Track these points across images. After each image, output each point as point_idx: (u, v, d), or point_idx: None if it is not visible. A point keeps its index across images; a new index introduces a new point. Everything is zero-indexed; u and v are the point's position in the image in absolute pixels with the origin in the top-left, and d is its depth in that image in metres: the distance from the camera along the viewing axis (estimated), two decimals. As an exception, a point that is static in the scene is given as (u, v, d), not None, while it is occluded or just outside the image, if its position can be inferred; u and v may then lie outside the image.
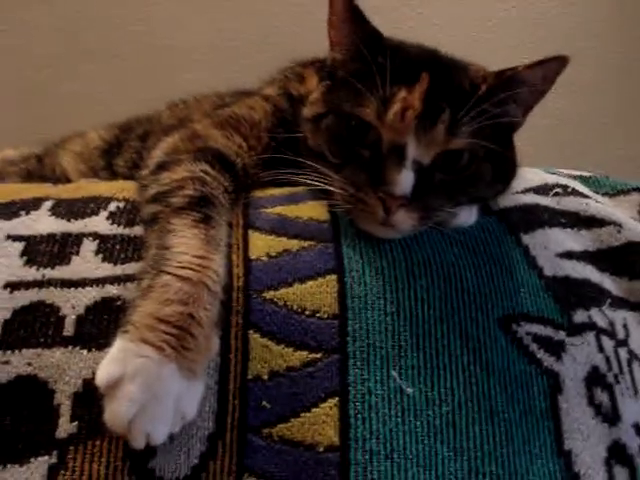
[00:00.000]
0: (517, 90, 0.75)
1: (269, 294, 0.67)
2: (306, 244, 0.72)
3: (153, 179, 0.73)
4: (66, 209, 0.75)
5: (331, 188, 0.74)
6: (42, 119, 1.60)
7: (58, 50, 1.67)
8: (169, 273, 0.61)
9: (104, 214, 0.74)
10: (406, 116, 0.71)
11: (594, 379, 0.73)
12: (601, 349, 0.75)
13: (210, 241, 0.65)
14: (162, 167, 0.75)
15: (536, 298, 0.75)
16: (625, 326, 0.78)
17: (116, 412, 0.55)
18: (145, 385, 0.56)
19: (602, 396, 0.72)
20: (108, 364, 0.57)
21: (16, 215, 0.73)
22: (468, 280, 0.73)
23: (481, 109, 0.72)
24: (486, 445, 0.66)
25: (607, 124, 1.81)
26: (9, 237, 0.70)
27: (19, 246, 0.70)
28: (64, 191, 0.80)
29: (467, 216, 0.78)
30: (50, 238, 0.71)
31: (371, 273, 0.71)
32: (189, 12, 1.68)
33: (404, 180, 0.70)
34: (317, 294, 0.68)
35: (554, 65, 0.75)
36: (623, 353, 0.76)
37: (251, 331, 0.65)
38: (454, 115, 0.72)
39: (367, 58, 0.73)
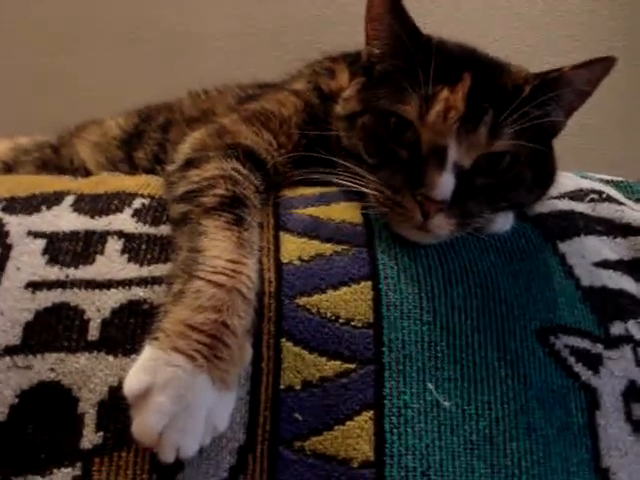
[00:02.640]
0: (561, 92, 0.72)
1: (302, 300, 0.65)
2: (339, 248, 0.69)
3: (181, 176, 0.70)
4: (89, 205, 0.72)
5: (366, 190, 0.72)
6: (58, 105, 1.57)
7: (74, 34, 1.62)
8: (202, 278, 0.58)
9: (129, 211, 0.71)
10: (448, 117, 0.68)
11: (632, 394, 0.70)
12: (638, 363, 0.72)
13: (243, 244, 0.62)
14: (190, 164, 0.72)
15: (573, 309, 0.73)
16: (661, 339, 0.75)
17: (145, 424, 0.53)
18: (176, 396, 0.54)
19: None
20: (137, 373, 0.54)
21: (37, 210, 0.70)
22: (506, 289, 0.71)
23: (524, 111, 0.69)
24: (523, 462, 0.64)
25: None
26: (30, 233, 0.68)
27: (41, 243, 0.67)
28: (86, 185, 0.77)
29: (503, 222, 0.75)
30: (73, 236, 0.68)
31: (406, 280, 0.68)
32: None
33: (444, 184, 0.67)
34: (351, 301, 0.66)
35: (600, 67, 0.72)
36: (660, 367, 0.73)
37: (284, 339, 0.63)
38: (497, 117, 0.69)
39: (410, 54, 0.70)
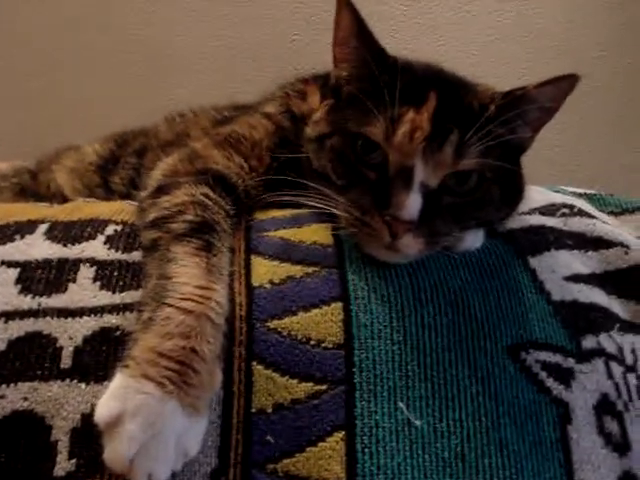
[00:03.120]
0: (526, 109, 0.73)
1: (273, 323, 0.66)
2: (310, 270, 0.70)
3: (152, 202, 0.71)
4: (62, 233, 0.73)
5: (335, 211, 0.73)
6: (43, 124, 1.58)
7: (60, 54, 1.64)
8: (171, 305, 0.59)
9: (101, 238, 0.72)
10: (414, 137, 0.69)
11: (604, 407, 0.71)
12: (610, 376, 0.73)
13: (212, 270, 0.63)
14: (161, 190, 0.73)
15: (544, 324, 0.74)
16: (633, 351, 0.77)
17: (116, 451, 0.53)
18: (146, 423, 0.54)
19: (612, 425, 0.70)
20: (108, 401, 0.55)
21: (10, 239, 0.71)
22: (476, 306, 0.72)
23: (489, 129, 0.70)
24: (496, 478, 0.64)
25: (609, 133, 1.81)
26: (3, 263, 0.68)
27: (14, 273, 0.67)
28: (61, 212, 0.78)
29: (473, 240, 0.76)
30: (46, 264, 0.68)
31: (377, 300, 0.69)
32: (190, 19, 1.65)
33: (411, 204, 0.68)
34: (322, 323, 0.67)
35: (564, 84, 0.73)
36: (632, 379, 0.74)
37: (255, 362, 0.64)
38: (462, 136, 0.70)
39: (375, 76, 0.71)
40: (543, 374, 0.71)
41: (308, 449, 0.62)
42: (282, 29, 1.47)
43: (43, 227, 0.73)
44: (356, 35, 0.75)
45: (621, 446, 0.70)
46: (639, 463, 0.69)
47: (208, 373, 0.58)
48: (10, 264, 0.68)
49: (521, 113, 0.74)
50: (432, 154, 0.70)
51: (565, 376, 0.71)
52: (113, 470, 0.54)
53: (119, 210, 0.78)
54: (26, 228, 0.73)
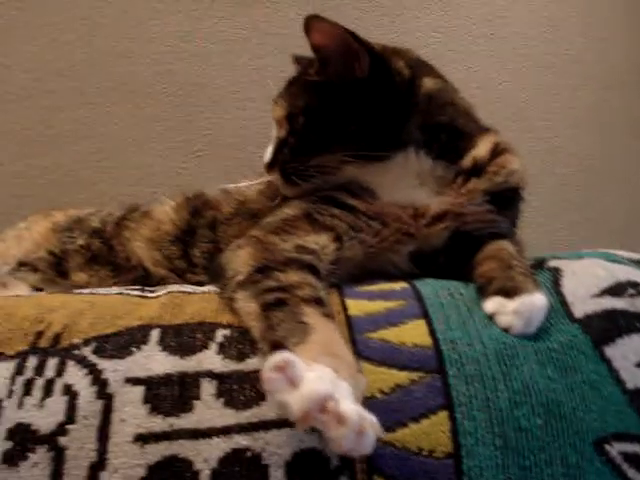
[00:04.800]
0: None
1: (388, 436, 0.70)
2: (415, 376, 0.75)
3: (264, 276, 0.78)
4: (175, 341, 0.76)
5: None
6: (74, 159, 1.58)
7: (91, 88, 1.63)
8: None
9: (214, 347, 0.76)
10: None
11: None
12: (685, 462, 0.79)
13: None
14: (264, 270, 0.80)
15: (622, 415, 0.79)
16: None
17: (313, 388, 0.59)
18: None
19: (686, 511, 0.76)
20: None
21: (129, 353, 0.74)
22: (564, 404, 0.77)
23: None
24: None
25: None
26: (128, 380, 0.71)
27: (139, 391, 0.71)
28: (163, 311, 0.81)
29: (524, 325, 0.81)
30: (168, 380, 0.72)
31: (478, 406, 0.74)
32: (225, 52, 1.66)
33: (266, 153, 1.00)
34: (432, 433, 0.71)
35: None
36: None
37: (375, 475, 0.68)
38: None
39: None
40: (625, 465, 0.76)
41: None
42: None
43: (155, 335, 0.77)
44: None
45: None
46: None
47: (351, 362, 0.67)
48: (134, 381, 0.71)
49: None
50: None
51: (645, 465, 0.77)
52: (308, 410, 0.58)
53: (219, 309, 0.81)
54: (139, 336, 0.76)
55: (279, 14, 1.69)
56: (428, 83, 0.99)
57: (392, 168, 0.94)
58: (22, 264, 1.11)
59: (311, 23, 0.89)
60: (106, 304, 0.83)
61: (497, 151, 0.98)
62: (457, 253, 0.96)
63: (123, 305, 0.83)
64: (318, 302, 0.75)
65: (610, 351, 0.83)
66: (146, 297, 0.86)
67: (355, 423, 0.57)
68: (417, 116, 0.95)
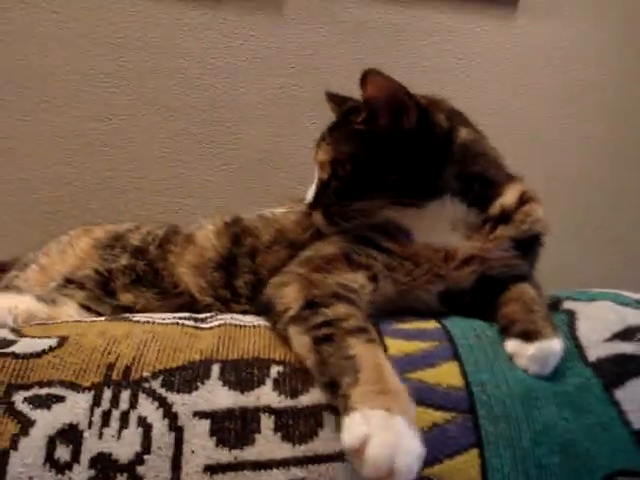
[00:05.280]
0: None
1: (427, 471, 0.79)
2: (449, 416, 0.84)
3: (314, 312, 0.87)
4: (234, 377, 0.84)
5: None
6: (102, 171, 1.65)
7: (118, 102, 1.69)
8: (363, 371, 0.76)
9: (269, 383, 0.84)
10: None
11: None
12: (682, 496, 0.89)
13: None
14: (313, 305, 0.88)
15: (628, 453, 0.89)
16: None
17: (378, 453, 0.68)
18: (388, 432, 0.70)
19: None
20: (353, 430, 0.70)
21: (194, 387, 0.82)
22: (579, 444, 0.86)
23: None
24: None
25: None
26: (196, 414, 0.80)
27: (206, 424, 0.79)
28: (219, 344, 0.89)
29: (539, 368, 0.91)
30: (231, 414, 0.80)
31: (503, 445, 0.83)
32: (252, 67, 1.72)
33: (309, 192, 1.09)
34: (464, 470, 0.80)
35: None
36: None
37: None
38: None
39: None
40: (631, 501, 0.86)
41: None
42: (341, 80, 1.55)
43: (215, 370, 0.85)
44: None
45: None
46: None
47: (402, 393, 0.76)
48: (201, 415, 0.80)
49: None
50: (316, 157, 1.10)
51: (646, 501, 0.87)
52: (376, 474, 0.68)
53: (271, 344, 0.89)
54: (202, 372, 0.84)
55: (306, 34, 1.76)
56: (463, 133, 1.07)
57: (427, 213, 1.03)
58: (69, 281, 1.18)
59: (369, 76, 0.96)
60: (166, 335, 0.91)
61: (524, 199, 1.07)
62: (482, 294, 1.05)
63: (182, 337, 0.90)
64: (362, 330, 0.84)
65: (619, 394, 0.92)
66: (200, 328, 0.93)
67: (403, 476, 0.69)
68: (453, 165, 1.03)
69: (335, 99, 1.17)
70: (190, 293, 1.11)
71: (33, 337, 0.88)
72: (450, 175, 1.02)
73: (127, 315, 1.01)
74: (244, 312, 1.06)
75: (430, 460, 0.79)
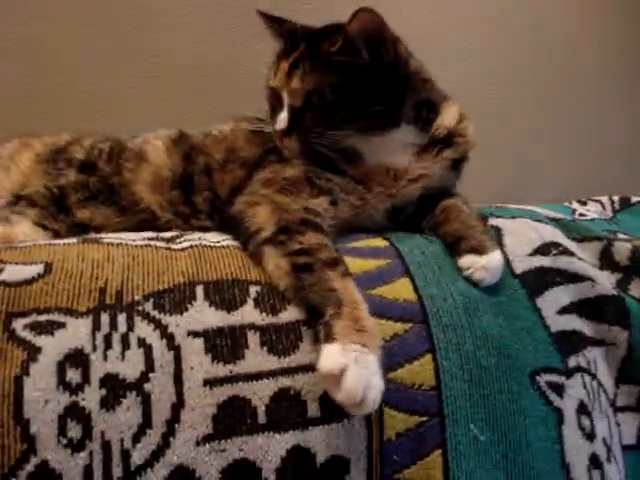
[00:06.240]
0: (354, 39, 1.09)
1: (391, 375, 0.93)
2: (407, 327, 0.96)
3: (288, 238, 0.96)
4: (219, 297, 0.92)
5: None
6: (22, 77, 1.60)
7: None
8: (346, 305, 0.87)
9: (250, 302, 0.93)
10: (280, 77, 1.17)
11: (581, 410, 1.06)
12: (584, 386, 1.08)
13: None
14: (284, 233, 0.98)
15: (548, 352, 1.06)
16: (595, 362, 1.12)
17: (353, 386, 0.80)
18: (363, 366, 0.81)
19: (586, 421, 1.06)
20: (332, 359, 0.81)
21: (184, 309, 0.90)
22: (510, 346, 1.02)
23: (327, 61, 1.10)
24: (527, 468, 0.99)
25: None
26: (189, 333, 0.88)
27: (200, 342, 0.88)
28: (198, 266, 0.96)
29: (491, 277, 1.06)
30: (221, 332, 0.89)
31: (452, 349, 0.98)
32: None
33: (280, 119, 1.11)
34: (421, 372, 0.94)
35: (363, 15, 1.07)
36: (595, 384, 1.10)
37: (384, 406, 0.91)
38: (305, 70, 1.11)
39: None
40: (549, 391, 1.04)
41: (419, 462, 0.92)
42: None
43: (200, 291, 0.92)
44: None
45: (590, 436, 1.06)
46: (600, 446, 1.07)
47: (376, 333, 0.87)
48: (194, 334, 0.88)
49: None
50: (288, 84, 1.09)
51: (560, 391, 1.05)
52: (350, 403, 0.80)
53: (245, 265, 0.98)
54: (188, 294, 0.91)
55: None
56: (412, 61, 1.16)
57: (386, 140, 1.13)
58: (19, 197, 1.18)
59: (360, 13, 1.01)
60: (145, 258, 0.97)
61: (460, 119, 1.19)
62: (420, 208, 1.17)
63: (161, 260, 0.96)
64: (336, 262, 0.94)
65: (540, 302, 1.09)
66: (173, 249, 1.00)
67: (368, 408, 0.81)
68: (411, 95, 1.12)
69: (272, 20, 1.20)
70: (151, 210, 1.15)
71: (17, 263, 0.91)
72: (409, 104, 1.11)
73: (96, 236, 1.04)
74: (203, 228, 1.13)
75: (394, 365, 0.92)
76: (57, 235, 1.13)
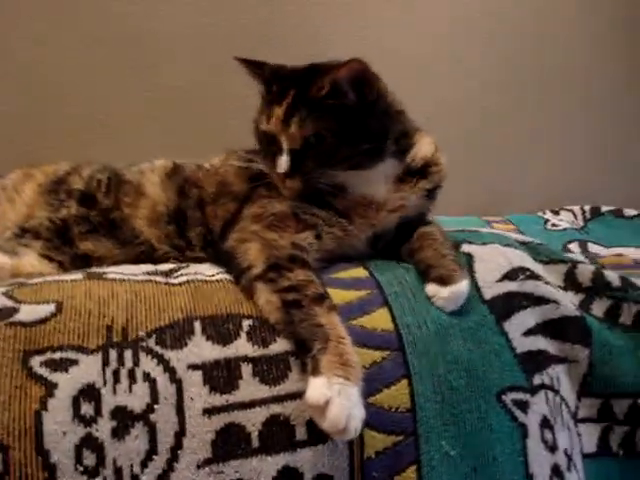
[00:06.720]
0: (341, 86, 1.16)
1: (371, 399, 1.03)
2: (385, 354, 1.07)
3: (278, 275, 1.06)
4: (214, 331, 1.01)
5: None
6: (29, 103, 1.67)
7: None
8: (332, 340, 0.96)
9: (244, 336, 1.02)
10: (276, 123, 1.20)
11: (544, 424, 1.17)
12: (547, 401, 1.19)
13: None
14: (276, 268, 1.07)
15: (513, 372, 1.16)
16: (558, 378, 1.23)
17: (337, 416, 0.89)
18: (346, 398, 0.90)
19: (548, 435, 1.17)
20: (318, 392, 0.90)
21: (184, 344, 0.99)
22: (479, 368, 1.13)
23: (321, 105, 1.17)
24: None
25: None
26: (189, 367, 0.98)
27: (199, 375, 0.98)
28: (193, 302, 1.05)
29: (452, 306, 1.16)
30: (218, 365, 0.99)
31: (427, 375, 1.08)
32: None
33: (282, 163, 1.17)
34: (398, 396, 1.04)
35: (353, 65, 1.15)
36: (558, 399, 1.21)
37: (366, 427, 1.01)
38: (302, 116, 1.16)
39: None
40: (514, 408, 1.14)
41: (396, 477, 1.03)
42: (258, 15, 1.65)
43: (197, 326, 1.02)
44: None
45: (553, 448, 1.17)
46: (561, 457, 1.18)
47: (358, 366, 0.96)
48: (194, 367, 0.98)
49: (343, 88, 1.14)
50: (286, 130, 1.14)
51: (524, 407, 1.15)
52: (334, 431, 0.90)
53: (239, 300, 1.08)
54: (187, 329, 1.00)
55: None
56: (389, 96, 1.26)
57: (370, 173, 1.23)
58: (24, 230, 1.27)
59: (351, 63, 1.10)
60: (147, 294, 1.06)
61: (435, 150, 1.29)
62: (398, 235, 1.28)
63: (160, 296, 1.06)
64: (322, 297, 1.03)
65: (507, 325, 1.19)
66: (171, 284, 1.09)
67: (350, 435, 0.91)
68: (392, 129, 1.23)
69: (252, 65, 1.27)
70: (150, 243, 1.25)
71: (30, 303, 1.00)
72: (392, 138, 1.21)
73: (100, 271, 1.13)
74: (198, 259, 1.23)
75: (373, 390, 1.03)
76: (61, 265, 1.21)
